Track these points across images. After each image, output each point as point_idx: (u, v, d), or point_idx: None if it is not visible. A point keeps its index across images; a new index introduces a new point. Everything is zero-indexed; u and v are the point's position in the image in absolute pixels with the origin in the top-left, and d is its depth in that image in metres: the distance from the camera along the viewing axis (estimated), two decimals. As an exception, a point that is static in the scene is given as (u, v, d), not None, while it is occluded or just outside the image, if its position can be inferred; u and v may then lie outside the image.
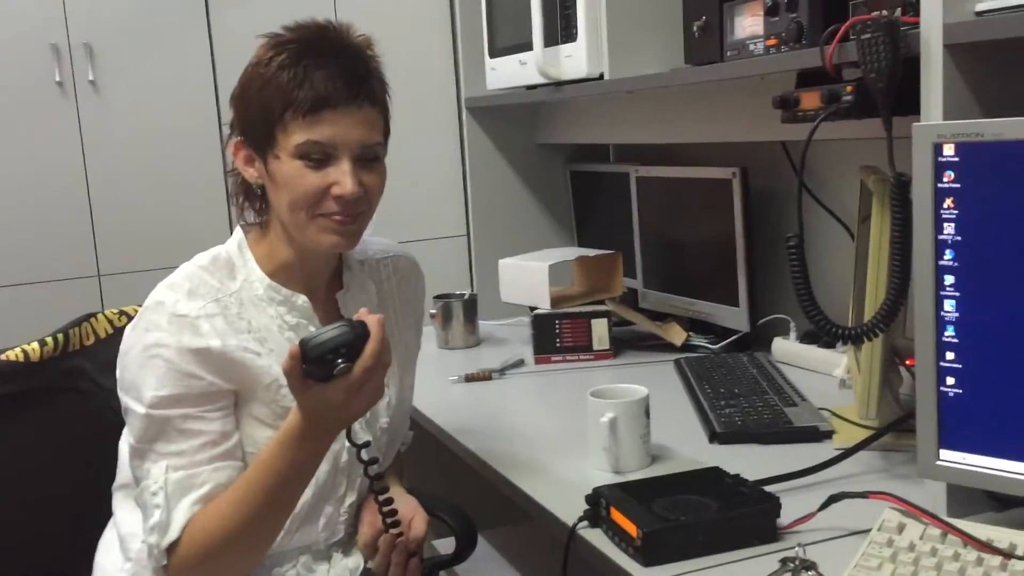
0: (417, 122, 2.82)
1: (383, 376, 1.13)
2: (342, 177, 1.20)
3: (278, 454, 1.14)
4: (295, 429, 1.13)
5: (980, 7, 1.10)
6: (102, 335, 1.44)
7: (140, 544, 1.20)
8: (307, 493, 1.23)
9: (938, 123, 1.10)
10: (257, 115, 1.21)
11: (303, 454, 1.14)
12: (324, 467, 1.25)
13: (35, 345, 1.37)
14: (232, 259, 1.28)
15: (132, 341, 1.21)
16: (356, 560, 1.34)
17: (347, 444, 1.22)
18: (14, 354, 1.35)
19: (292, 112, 1.18)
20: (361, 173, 1.22)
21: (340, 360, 1.08)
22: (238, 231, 1.31)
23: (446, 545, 1.41)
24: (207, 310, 1.21)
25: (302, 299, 1.28)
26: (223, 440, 1.20)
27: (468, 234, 2.75)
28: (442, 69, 2.86)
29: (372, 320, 1.12)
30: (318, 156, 1.19)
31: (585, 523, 1.23)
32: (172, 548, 1.15)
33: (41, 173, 2.57)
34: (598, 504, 1.23)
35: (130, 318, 1.32)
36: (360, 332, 1.09)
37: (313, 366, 1.08)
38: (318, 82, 1.17)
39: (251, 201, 1.30)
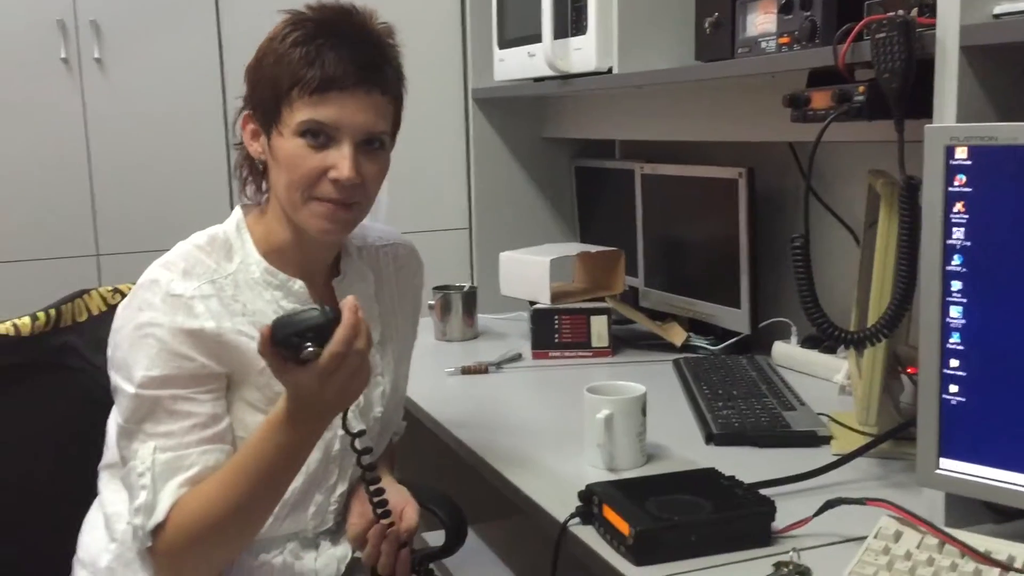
0: (424, 112, 2.79)
1: (359, 363, 1.09)
2: (341, 161, 1.18)
3: (267, 438, 1.12)
4: (282, 413, 1.11)
5: (998, 9, 1.09)
6: (95, 312, 1.42)
7: (125, 525, 1.18)
8: (297, 480, 1.21)
9: (951, 125, 1.08)
10: (266, 89, 1.20)
11: (289, 439, 1.12)
12: (315, 455, 1.23)
13: (26, 320, 1.35)
14: (230, 240, 1.26)
15: (124, 319, 1.19)
16: (344, 549, 1.32)
17: (340, 433, 1.20)
18: (4, 328, 1.33)
19: (299, 90, 1.16)
20: (362, 160, 1.20)
21: (308, 344, 1.05)
22: (237, 210, 1.29)
23: (436, 538, 1.39)
24: (202, 291, 1.19)
25: (299, 284, 1.26)
26: (213, 423, 1.18)
27: (470, 227, 2.74)
28: (451, 59, 2.83)
29: (345, 304, 1.09)
30: (320, 137, 1.18)
31: (577, 520, 1.21)
32: (158, 530, 1.13)
33: (44, 150, 2.55)
34: (591, 501, 1.21)
35: (124, 296, 1.30)
36: (331, 317, 1.06)
37: (282, 347, 1.06)
38: (328, 62, 1.16)
39: (254, 177, 1.29)
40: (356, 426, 1.21)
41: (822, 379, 1.81)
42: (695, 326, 2.15)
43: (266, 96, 1.20)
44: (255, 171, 1.28)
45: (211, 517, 1.13)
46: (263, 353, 1.07)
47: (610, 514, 1.16)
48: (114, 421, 1.22)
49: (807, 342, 1.90)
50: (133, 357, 1.16)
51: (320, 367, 1.06)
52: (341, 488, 1.31)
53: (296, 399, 1.09)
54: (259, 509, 1.17)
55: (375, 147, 1.22)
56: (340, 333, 1.06)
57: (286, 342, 1.05)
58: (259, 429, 1.14)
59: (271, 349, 1.06)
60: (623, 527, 1.13)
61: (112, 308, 1.28)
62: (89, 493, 1.30)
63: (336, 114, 1.17)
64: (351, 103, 1.17)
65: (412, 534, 1.30)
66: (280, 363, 1.07)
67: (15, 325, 1.34)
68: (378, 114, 1.20)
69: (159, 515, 1.13)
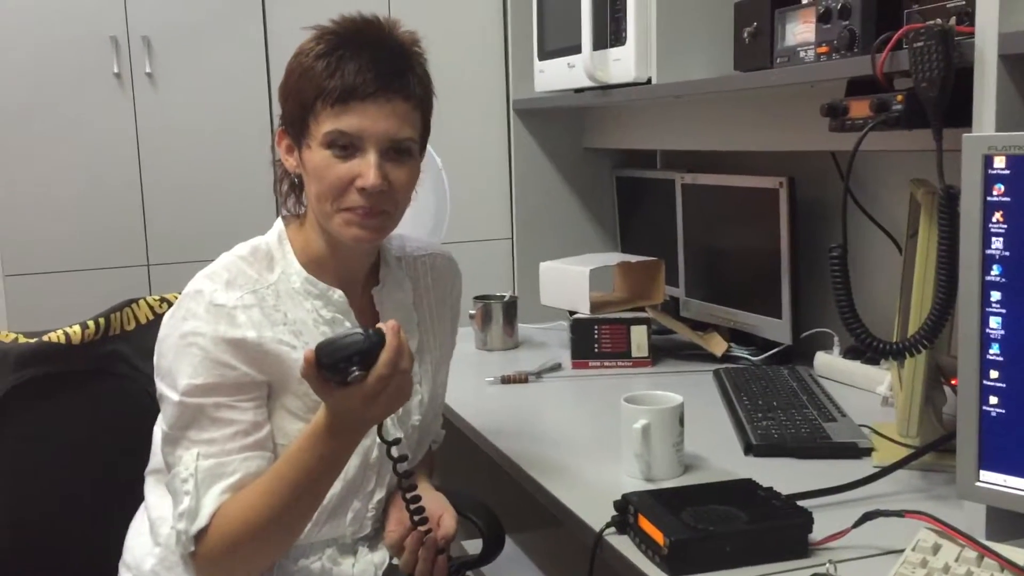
0: (466, 123, 2.83)
1: (403, 381, 1.12)
2: (366, 169, 1.20)
3: (307, 448, 1.14)
4: (322, 424, 1.13)
5: (1038, 17, 1.07)
6: (143, 321, 1.46)
7: (169, 529, 1.21)
8: (336, 487, 1.23)
9: (989, 134, 1.07)
10: (294, 104, 1.23)
11: (329, 449, 1.14)
12: (354, 462, 1.25)
13: (76, 328, 1.39)
14: (271, 251, 1.29)
15: (169, 328, 1.22)
16: (382, 555, 1.34)
17: (378, 441, 1.22)
18: (56, 336, 1.37)
19: (322, 101, 1.19)
20: (389, 167, 1.21)
21: (354, 368, 1.07)
22: (279, 222, 1.32)
23: (474, 546, 1.40)
24: (244, 300, 1.22)
25: (338, 294, 1.28)
26: (254, 430, 1.21)
27: (512, 237, 2.75)
28: (492, 70, 2.86)
29: (388, 328, 1.11)
30: (345, 146, 1.19)
31: (612, 529, 1.22)
32: (200, 535, 1.16)
33: (96, 163, 2.62)
34: (626, 511, 1.21)
35: (170, 305, 1.33)
36: (375, 340, 1.08)
37: (328, 371, 1.08)
38: (348, 72, 1.18)
39: (292, 190, 1.31)
40: (393, 434, 1.23)
41: (864, 390, 1.79)
42: (736, 336, 2.14)
43: (295, 111, 1.23)
44: (293, 185, 1.31)
45: (252, 523, 1.15)
46: (307, 376, 1.09)
47: (645, 524, 1.16)
48: (159, 428, 1.25)
49: (849, 353, 1.88)
50: (177, 366, 1.19)
51: (366, 390, 1.08)
52: (379, 495, 1.33)
53: (337, 415, 1.12)
54: (299, 516, 1.19)
55: (401, 154, 1.23)
56: (385, 356, 1.08)
57: (332, 367, 1.07)
58: (300, 439, 1.16)
59: (316, 373, 1.08)
60: (658, 537, 1.13)
61: (159, 317, 1.32)
62: (136, 498, 1.34)
63: (359, 123, 1.19)
64: (373, 111, 1.19)
65: (449, 541, 1.31)
66: (325, 386, 1.09)
67: (66, 333, 1.38)
68: (402, 121, 1.21)
69: (202, 520, 1.15)
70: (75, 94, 2.58)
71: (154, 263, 2.71)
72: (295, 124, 1.24)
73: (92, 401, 1.41)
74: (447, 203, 2.30)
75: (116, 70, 2.60)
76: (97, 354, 1.41)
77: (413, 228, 1.44)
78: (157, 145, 2.67)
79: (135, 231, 2.68)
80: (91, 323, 1.41)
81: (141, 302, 1.47)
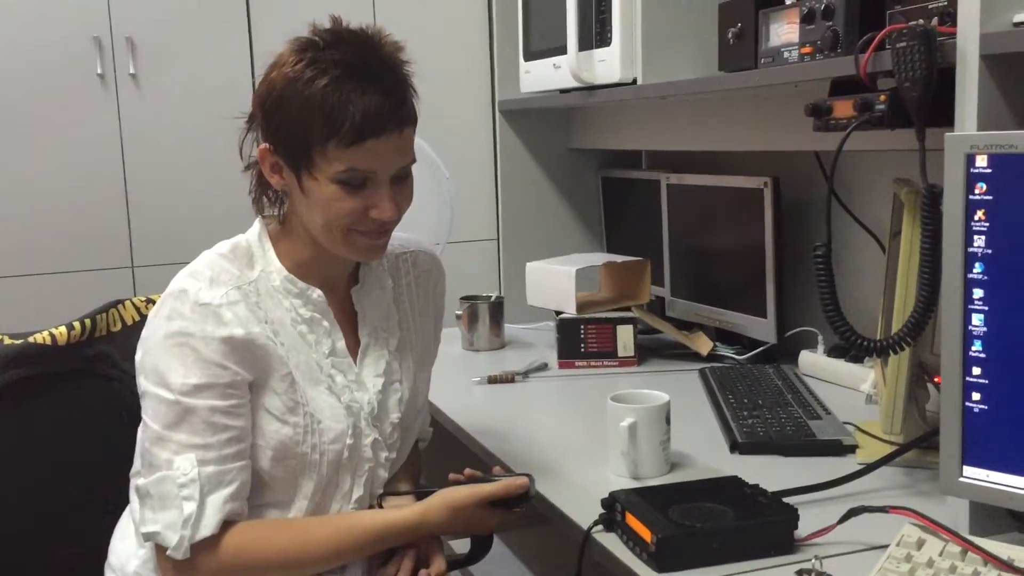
0: (452, 124, 2.83)
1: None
2: (381, 202, 1.21)
3: (381, 527, 1.25)
4: (412, 522, 1.25)
5: (1018, 18, 1.09)
6: (129, 322, 1.45)
7: (156, 530, 1.20)
8: (309, 488, 1.27)
9: (971, 133, 1.08)
10: (295, 134, 1.20)
11: (399, 540, 1.27)
12: (325, 468, 1.27)
13: (62, 329, 1.38)
14: (252, 248, 1.29)
15: (154, 327, 1.22)
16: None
17: (349, 442, 1.28)
18: (41, 337, 1.37)
19: (336, 141, 1.17)
20: (395, 192, 1.23)
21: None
22: (258, 222, 1.32)
23: (461, 545, 1.41)
24: (229, 297, 1.22)
25: (317, 293, 1.28)
26: (246, 437, 1.22)
27: (498, 238, 2.75)
28: (478, 71, 2.86)
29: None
30: (357, 181, 1.20)
31: (600, 527, 1.22)
32: (202, 544, 1.17)
33: (80, 164, 2.61)
34: (614, 508, 1.22)
35: (156, 305, 1.33)
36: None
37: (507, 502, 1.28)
38: (362, 111, 1.16)
39: (270, 200, 1.31)
40: (369, 435, 1.31)
41: (849, 388, 1.80)
42: (721, 335, 2.15)
43: (293, 139, 1.20)
44: (272, 196, 1.30)
45: (274, 561, 1.21)
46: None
47: (633, 521, 1.17)
48: (142, 426, 1.25)
49: (834, 351, 1.90)
50: (166, 364, 1.19)
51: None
52: (358, 492, 1.32)
53: (455, 521, 1.27)
54: (315, 569, 1.24)
55: (406, 176, 1.25)
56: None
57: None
58: (380, 519, 1.26)
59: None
60: (645, 534, 1.13)
61: (145, 318, 1.31)
62: (121, 499, 1.33)
63: (373, 160, 1.19)
64: (386, 146, 1.19)
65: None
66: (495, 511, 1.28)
67: (52, 335, 1.38)
68: (407, 146, 1.23)
69: (207, 529, 1.16)
70: (58, 95, 2.56)
71: (139, 264, 2.70)
72: (293, 151, 1.21)
73: (78, 402, 1.41)
74: (450, 206, 2.32)
75: (100, 71, 2.59)
76: (83, 355, 1.41)
77: (412, 227, 1.45)
78: (141, 146, 2.65)
79: (119, 232, 2.67)
80: (77, 324, 1.40)
81: (127, 303, 1.47)
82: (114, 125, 2.63)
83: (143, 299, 1.48)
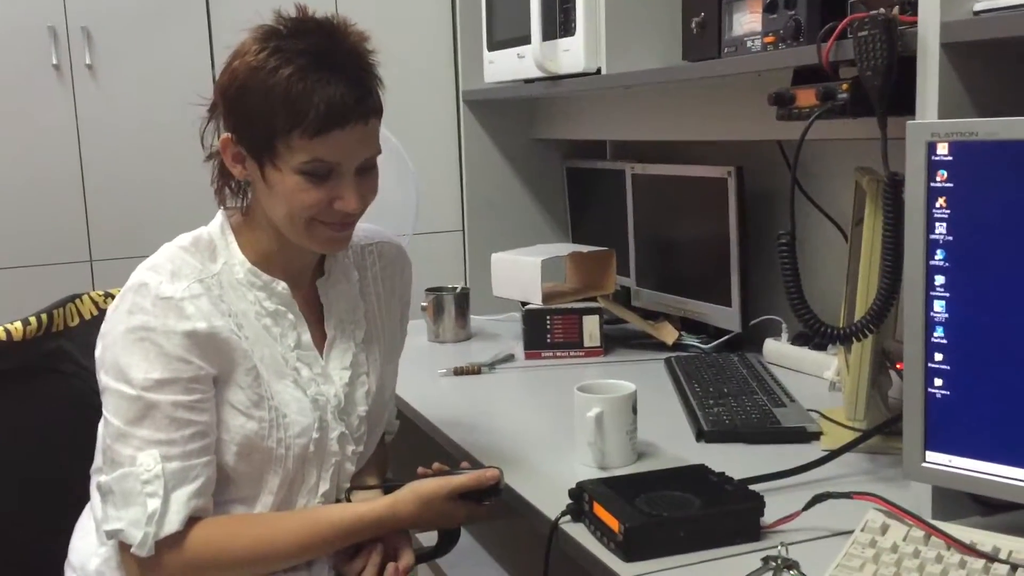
0: (415, 115, 2.81)
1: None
2: (346, 193, 1.20)
3: (350, 520, 1.23)
4: (385, 515, 1.24)
5: (978, 7, 1.10)
6: (87, 317, 1.43)
7: (118, 527, 1.18)
8: (274, 483, 1.25)
9: (932, 121, 1.09)
10: (257, 123, 1.18)
11: (367, 531, 1.25)
12: (291, 465, 1.26)
13: (18, 324, 1.35)
14: (214, 241, 1.27)
15: (115, 322, 1.20)
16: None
17: (315, 436, 1.26)
18: (-4, 333, 1.34)
19: (300, 131, 1.15)
20: (360, 183, 1.22)
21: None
22: (220, 214, 1.30)
23: (429, 538, 1.40)
24: (191, 290, 1.20)
25: (282, 285, 1.27)
26: (211, 432, 1.20)
27: (463, 229, 2.75)
28: (441, 61, 2.85)
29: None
30: (321, 172, 1.19)
31: (568, 517, 1.22)
32: (167, 541, 1.15)
33: (36, 156, 2.56)
34: (581, 499, 1.22)
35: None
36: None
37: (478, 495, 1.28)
38: (327, 102, 1.14)
39: (232, 191, 1.29)
40: (335, 428, 1.30)
41: (812, 376, 1.82)
42: (687, 325, 2.16)
43: (257, 130, 1.18)
44: (235, 186, 1.29)
45: (237, 557, 1.20)
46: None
47: (600, 511, 1.17)
48: (103, 423, 1.23)
49: (798, 339, 1.91)
50: (127, 359, 1.16)
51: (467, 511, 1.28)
52: (324, 487, 1.31)
53: (423, 513, 1.25)
54: (279, 565, 1.23)
55: (370, 168, 1.24)
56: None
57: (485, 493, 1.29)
58: (350, 511, 1.24)
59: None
60: (613, 524, 1.13)
61: (104, 312, 1.29)
62: (81, 497, 1.31)
63: (338, 151, 1.18)
64: (351, 137, 1.18)
65: (408, 570, 1.31)
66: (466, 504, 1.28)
67: (7, 330, 1.34)
68: (372, 138, 1.22)
69: (172, 526, 1.14)
70: (12, 86, 2.52)
71: (97, 259, 2.66)
72: (256, 141, 1.19)
73: (35, 399, 1.38)
74: (415, 198, 2.30)
75: (55, 61, 2.55)
76: (40, 351, 1.38)
77: (378, 219, 1.43)
78: (98, 138, 2.61)
79: (77, 226, 2.63)
80: (33, 319, 1.37)
81: (85, 297, 1.44)
82: (70, 116, 2.59)
83: (101, 293, 1.46)
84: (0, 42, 2.49)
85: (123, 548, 1.17)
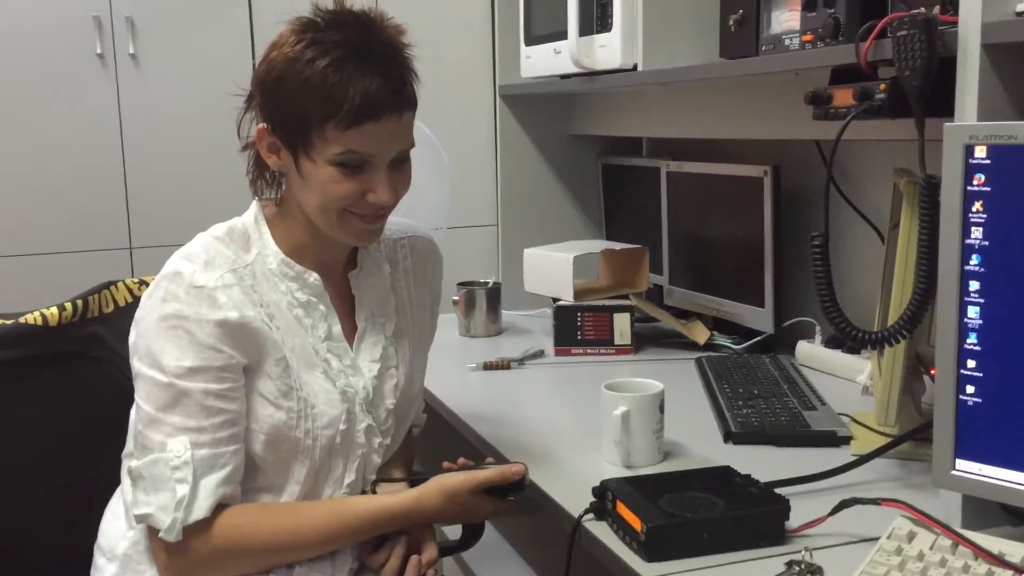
0: (452, 109, 2.81)
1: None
2: (378, 186, 1.21)
3: (375, 511, 1.23)
4: (406, 508, 1.24)
5: (1021, 7, 1.07)
6: (121, 303, 1.45)
7: (147, 512, 1.20)
8: (301, 473, 1.26)
9: (970, 124, 1.07)
10: (293, 114, 1.19)
11: (392, 523, 1.25)
12: (317, 455, 1.26)
13: (54, 310, 1.38)
14: (248, 231, 1.28)
15: (148, 309, 1.21)
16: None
17: (342, 427, 1.27)
18: (33, 318, 1.36)
19: (335, 123, 1.16)
20: (393, 176, 1.22)
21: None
22: (255, 204, 1.31)
23: (454, 531, 1.40)
24: (224, 280, 1.21)
25: (314, 276, 1.28)
26: (240, 421, 1.21)
27: (497, 223, 2.75)
28: (480, 55, 2.84)
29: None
30: (355, 164, 1.19)
31: (591, 515, 1.22)
32: (195, 526, 1.16)
33: (79, 144, 2.60)
34: (605, 497, 1.21)
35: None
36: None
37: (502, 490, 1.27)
38: (362, 94, 1.15)
39: (267, 182, 1.30)
40: (362, 421, 1.30)
41: (845, 379, 1.79)
42: (719, 325, 2.14)
43: (293, 121, 1.19)
44: (270, 177, 1.30)
45: (261, 545, 1.21)
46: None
47: (623, 510, 1.16)
48: (135, 408, 1.24)
49: (831, 342, 1.89)
50: (160, 346, 1.18)
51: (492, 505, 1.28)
52: (350, 478, 1.32)
53: (447, 508, 1.25)
54: (306, 555, 1.24)
55: (404, 161, 1.24)
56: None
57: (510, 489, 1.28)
58: (373, 503, 1.25)
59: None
60: (635, 523, 1.13)
61: (138, 300, 1.30)
62: (112, 481, 1.33)
63: (371, 143, 1.18)
64: (385, 130, 1.18)
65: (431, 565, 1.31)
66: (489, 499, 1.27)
67: (43, 315, 1.37)
68: (406, 131, 1.22)
69: (200, 512, 1.16)
70: (57, 75, 2.55)
71: (136, 246, 2.69)
72: (291, 132, 1.20)
73: (69, 383, 1.40)
74: (447, 190, 2.30)
75: (99, 51, 2.58)
76: (75, 336, 1.40)
77: (411, 212, 1.44)
78: (140, 127, 2.64)
79: (118, 213, 2.66)
80: (68, 305, 1.39)
81: (120, 284, 1.46)
82: (113, 105, 2.62)
83: (136, 281, 1.48)
84: (46, 31, 2.53)
85: (151, 532, 1.19)
